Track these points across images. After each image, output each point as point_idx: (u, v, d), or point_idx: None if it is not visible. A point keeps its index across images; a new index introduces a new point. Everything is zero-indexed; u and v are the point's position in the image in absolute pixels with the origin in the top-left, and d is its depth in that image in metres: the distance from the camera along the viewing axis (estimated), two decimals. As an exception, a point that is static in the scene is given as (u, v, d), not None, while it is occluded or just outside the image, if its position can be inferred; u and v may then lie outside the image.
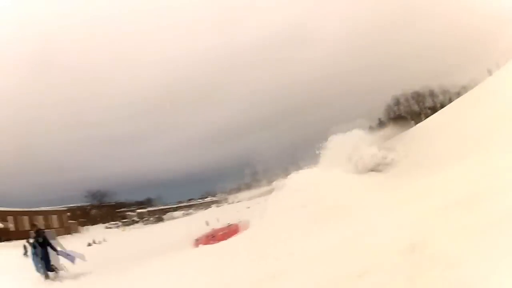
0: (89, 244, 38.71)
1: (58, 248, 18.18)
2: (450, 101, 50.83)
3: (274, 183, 13.23)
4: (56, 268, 17.45)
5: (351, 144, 17.95)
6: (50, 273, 17.18)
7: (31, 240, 17.91)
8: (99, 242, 39.51)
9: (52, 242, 18.22)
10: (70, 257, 18.19)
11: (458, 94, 49.23)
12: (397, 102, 66.76)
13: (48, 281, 16.86)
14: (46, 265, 17.24)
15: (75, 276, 16.88)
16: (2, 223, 47.69)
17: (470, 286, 5.18)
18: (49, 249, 17.63)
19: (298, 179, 12.55)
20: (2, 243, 42.84)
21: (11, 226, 48.50)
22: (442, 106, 47.03)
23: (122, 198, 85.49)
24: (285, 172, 15.08)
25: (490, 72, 40.33)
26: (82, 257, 18.41)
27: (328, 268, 7.86)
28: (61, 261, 18.02)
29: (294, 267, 8.57)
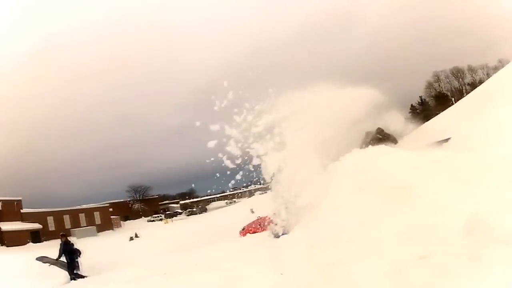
0: (131, 239, 38.05)
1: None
2: (488, 76, 50.10)
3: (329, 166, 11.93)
4: (76, 276, 17.77)
5: None
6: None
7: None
8: (141, 236, 38.72)
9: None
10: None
11: (496, 69, 48.33)
12: (438, 79, 66.70)
13: (84, 279, 17.01)
14: (70, 273, 17.97)
15: (115, 271, 16.29)
16: (41, 224, 48.41)
17: None
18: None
19: (352, 160, 11.31)
20: (43, 243, 43.38)
21: (51, 226, 49.25)
22: (481, 82, 46.32)
23: (164, 191, 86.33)
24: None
25: None
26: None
27: (390, 252, 7.37)
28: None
29: (354, 253, 8.00)
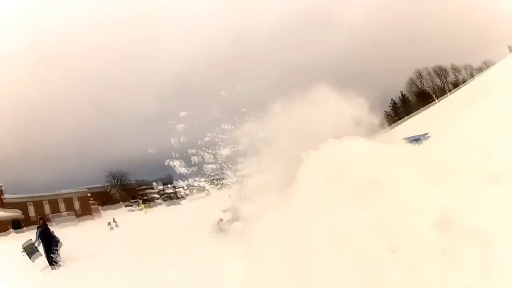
0: (109, 223, 37.97)
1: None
2: (472, 76, 50.00)
3: (302, 155, 11.72)
4: (56, 262, 17.29)
5: None
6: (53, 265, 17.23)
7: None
8: (120, 223, 38.62)
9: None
10: None
11: (480, 70, 48.37)
12: (420, 76, 66.30)
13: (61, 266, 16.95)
14: (47, 259, 17.40)
15: (91, 260, 16.22)
16: (21, 211, 47.87)
17: (500, 262, 5.59)
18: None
19: (327, 150, 11.20)
20: (24, 231, 42.88)
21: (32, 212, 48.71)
22: (464, 81, 46.29)
23: (143, 177, 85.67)
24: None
25: (511, 49, 39.23)
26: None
27: (360, 243, 7.48)
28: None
29: (325, 243, 8.09)
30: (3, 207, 47.85)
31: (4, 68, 57.57)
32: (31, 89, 60.39)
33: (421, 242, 6.68)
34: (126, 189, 76.41)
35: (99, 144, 77.60)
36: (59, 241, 17.69)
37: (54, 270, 16.72)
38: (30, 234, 21.16)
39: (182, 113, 16.09)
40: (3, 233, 42.47)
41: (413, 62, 60.20)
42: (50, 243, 17.49)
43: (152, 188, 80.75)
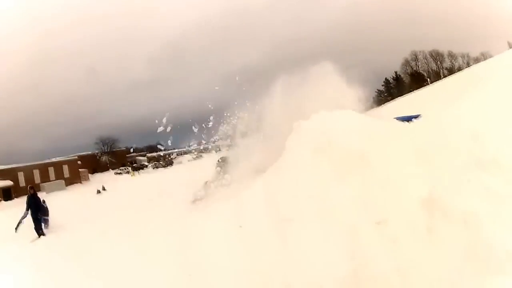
0: (98, 192, 37.95)
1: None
2: (468, 65, 49.88)
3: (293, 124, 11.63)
4: (41, 232, 17.44)
5: None
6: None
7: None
8: (108, 189, 38.63)
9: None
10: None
11: (477, 60, 48.20)
12: (415, 58, 65.96)
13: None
14: (35, 228, 17.38)
15: (79, 226, 16.85)
16: (11, 181, 47.50)
17: (484, 245, 5.69)
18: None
19: (318, 121, 11.10)
20: (14, 200, 42.73)
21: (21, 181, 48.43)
22: (460, 69, 46.17)
23: (132, 143, 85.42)
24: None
25: (510, 45, 39.10)
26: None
27: (346, 214, 7.46)
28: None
29: (311, 213, 8.04)
30: (-7, 177, 47.44)
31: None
32: (25, 59, 59.61)
33: (407, 218, 6.71)
34: (115, 156, 76.36)
35: (90, 111, 77.00)
36: (47, 210, 17.77)
37: (42, 238, 16.83)
38: (20, 204, 21.20)
39: (164, 119, 16.07)
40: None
41: (409, 44, 59.97)
42: (38, 212, 17.49)
43: (141, 156, 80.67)
